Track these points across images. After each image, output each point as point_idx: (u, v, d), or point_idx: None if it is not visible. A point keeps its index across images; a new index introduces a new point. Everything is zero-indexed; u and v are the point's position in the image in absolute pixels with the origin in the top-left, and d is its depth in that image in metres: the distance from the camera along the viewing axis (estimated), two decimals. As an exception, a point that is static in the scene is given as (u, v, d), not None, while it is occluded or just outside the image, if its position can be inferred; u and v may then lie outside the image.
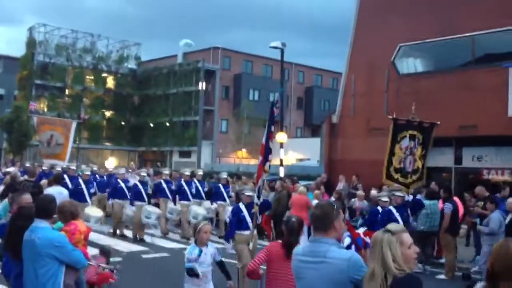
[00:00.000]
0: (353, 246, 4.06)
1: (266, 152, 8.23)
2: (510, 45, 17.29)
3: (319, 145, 25.55)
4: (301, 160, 40.75)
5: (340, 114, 21.48)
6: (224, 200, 15.20)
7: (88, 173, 14.78)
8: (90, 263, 5.30)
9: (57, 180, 10.42)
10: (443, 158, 19.11)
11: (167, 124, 47.34)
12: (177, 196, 14.78)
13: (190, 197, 14.68)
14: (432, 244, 12.00)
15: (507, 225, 9.65)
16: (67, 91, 47.30)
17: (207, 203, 15.14)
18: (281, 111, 20.04)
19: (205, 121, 45.84)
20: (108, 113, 48.78)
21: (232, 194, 15.37)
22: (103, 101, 48.32)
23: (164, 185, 15.06)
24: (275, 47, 20.26)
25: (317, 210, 3.59)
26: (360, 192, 14.56)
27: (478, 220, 10.67)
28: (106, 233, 13.32)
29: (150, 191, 15.73)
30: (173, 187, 15.16)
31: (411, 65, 20.36)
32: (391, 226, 3.15)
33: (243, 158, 44.62)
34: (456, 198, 11.49)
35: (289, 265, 3.94)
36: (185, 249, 11.34)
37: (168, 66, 48.91)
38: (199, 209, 14.21)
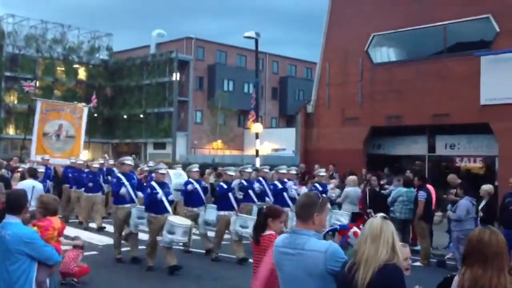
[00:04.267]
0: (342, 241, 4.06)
1: None
2: (481, 33, 17.54)
3: (294, 135, 25.63)
4: (276, 150, 40.86)
5: (315, 104, 21.54)
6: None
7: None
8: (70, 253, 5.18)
9: (32, 173, 10.15)
10: (416, 147, 19.38)
11: (141, 115, 46.87)
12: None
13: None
14: (408, 231, 12.13)
15: (483, 212, 9.79)
16: (37, 83, 46.34)
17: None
18: (256, 102, 19.95)
19: (180, 112, 45.49)
20: (80, 105, 48.07)
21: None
22: (75, 93, 47.48)
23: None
24: (249, 37, 20.13)
25: (302, 198, 3.57)
26: (335, 181, 14.60)
27: (449, 207, 10.82)
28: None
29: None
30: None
31: (384, 54, 20.50)
32: (383, 214, 3.17)
33: (218, 149, 44.50)
34: (429, 186, 11.60)
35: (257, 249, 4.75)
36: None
37: (141, 56, 48.36)
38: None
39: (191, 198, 10.92)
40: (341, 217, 10.86)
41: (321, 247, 3.28)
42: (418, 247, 11.20)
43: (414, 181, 11.64)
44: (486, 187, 10.14)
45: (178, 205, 13.18)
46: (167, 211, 9.54)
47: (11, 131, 45.85)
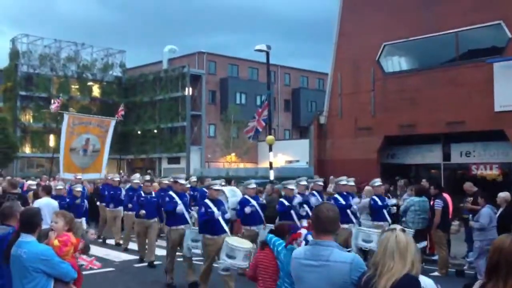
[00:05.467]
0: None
1: None
2: (493, 40, 17.45)
3: (307, 146, 25.56)
4: (290, 162, 40.76)
5: (327, 115, 21.52)
6: None
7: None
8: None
9: (47, 191, 10.24)
10: (431, 155, 19.23)
11: (155, 131, 47.12)
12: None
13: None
14: (419, 241, 12.00)
15: (498, 219, 9.67)
16: (52, 101, 46.86)
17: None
18: (269, 114, 19.96)
19: (193, 127, 45.71)
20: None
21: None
22: (89, 110, 47.90)
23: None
24: (260, 50, 20.18)
25: (329, 212, 3.53)
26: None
27: (470, 216, 10.67)
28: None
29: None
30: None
31: (396, 63, 20.47)
32: (398, 226, 3.19)
33: (232, 162, 44.52)
34: (445, 194, 11.48)
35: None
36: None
37: (154, 72, 48.74)
38: None
39: (249, 216, 10.03)
40: (372, 236, 9.43)
41: (347, 258, 3.33)
42: (436, 257, 11.07)
43: (430, 190, 11.53)
44: (503, 195, 10.01)
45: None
46: (224, 232, 8.55)
47: (27, 149, 46.36)
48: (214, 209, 8.47)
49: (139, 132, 47.99)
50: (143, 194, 11.84)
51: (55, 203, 9.66)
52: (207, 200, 8.73)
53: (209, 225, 8.44)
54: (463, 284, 3.36)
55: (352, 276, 3.25)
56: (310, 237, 4.16)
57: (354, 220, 10.54)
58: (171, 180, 10.90)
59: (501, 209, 9.84)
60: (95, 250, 11.10)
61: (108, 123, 15.51)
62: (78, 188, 12.24)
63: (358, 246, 9.28)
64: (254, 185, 10.31)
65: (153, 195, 11.81)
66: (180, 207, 9.17)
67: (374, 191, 11.40)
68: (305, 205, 10.23)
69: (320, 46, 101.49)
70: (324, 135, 21.58)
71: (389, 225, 9.26)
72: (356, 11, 20.84)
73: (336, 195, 10.92)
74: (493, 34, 17.23)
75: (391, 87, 19.41)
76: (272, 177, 18.17)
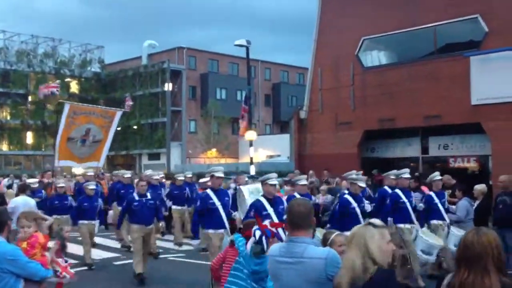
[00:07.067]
0: (263, 238, 4.15)
1: None
2: (471, 34, 17.64)
3: (288, 141, 25.65)
4: (271, 156, 40.88)
5: (308, 110, 21.57)
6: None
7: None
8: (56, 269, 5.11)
9: (22, 189, 10.10)
10: (410, 148, 19.42)
11: (135, 127, 46.78)
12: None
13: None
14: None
15: (474, 212, 9.82)
16: (29, 98, 46.24)
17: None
18: (249, 109, 19.98)
19: (173, 122, 45.49)
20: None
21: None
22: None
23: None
24: (240, 45, 20.17)
25: (300, 207, 3.51)
26: (323, 187, 13.86)
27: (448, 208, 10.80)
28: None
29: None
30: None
31: (375, 58, 20.59)
32: (374, 220, 3.22)
33: (213, 158, 44.46)
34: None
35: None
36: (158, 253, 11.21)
37: (133, 68, 48.34)
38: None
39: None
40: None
41: (321, 254, 3.32)
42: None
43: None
44: (480, 187, 10.17)
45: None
46: (224, 227, 8.09)
47: (4, 147, 45.70)
48: (216, 200, 8.04)
49: (119, 128, 47.49)
50: (136, 197, 9.68)
51: (32, 201, 9.53)
52: (208, 190, 8.25)
53: (209, 218, 8.00)
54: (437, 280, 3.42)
55: (328, 271, 3.23)
56: (258, 232, 4.15)
57: (414, 219, 9.15)
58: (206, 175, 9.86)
59: (477, 202, 10.00)
60: (74, 248, 11.02)
61: (113, 114, 14.69)
62: (91, 186, 11.14)
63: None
64: (304, 181, 9.32)
65: (149, 197, 9.81)
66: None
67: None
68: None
69: (301, 41, 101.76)
70: (304, 130, 21.64)
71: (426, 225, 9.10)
72: (335, 5, 20.88)
73: (386, 187, 9.65)
74: (470, 28, 17.42)
75: (370, 81, 19.53)
76: (253, 172, 18.21)
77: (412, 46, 19.32)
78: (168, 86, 37.19)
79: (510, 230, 8.66)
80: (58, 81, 16.45)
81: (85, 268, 10.33)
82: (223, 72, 49.95)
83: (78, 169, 22.33)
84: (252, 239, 4.14)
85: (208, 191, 8.22)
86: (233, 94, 48.04)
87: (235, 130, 48.24)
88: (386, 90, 18.86)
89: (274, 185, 7.41)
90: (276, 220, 6.78)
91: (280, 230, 4.42)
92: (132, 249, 10.19)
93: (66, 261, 5.39)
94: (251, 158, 19.18)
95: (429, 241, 8.28)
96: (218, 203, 7.99)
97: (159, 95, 45.08)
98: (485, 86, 16.26)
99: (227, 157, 45.08)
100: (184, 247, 12.82)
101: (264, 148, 40.47)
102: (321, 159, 19.48)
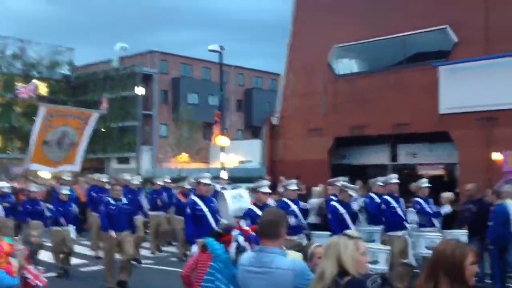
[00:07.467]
0: (246, 243, 4.15)
1: None
2: (439, 44, 18.00)
3: (260, 146, 25.67)
4: (242, 162, 40.81)
5: (280, 116, 21.66)
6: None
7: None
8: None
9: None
10: (380, 156, 19.67)
11: (103, 130, 46.14)
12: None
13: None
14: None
15: (444, 218, 9.99)
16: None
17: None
18: (222, 114, 19.99)
19: (144, 126, 45.10)
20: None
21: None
22: (36, 109, 46.41)
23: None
24: (214, 51, 20.18)
25: (266, 216, 3.52)
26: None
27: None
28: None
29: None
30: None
31: (346, 65, 20.83)
32: (349, 231, 3.26)
33: (184, 163, 44.20)
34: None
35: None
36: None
37: (104, 71, 47.74)
38: None
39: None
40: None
41: (289, 265, 3.31)
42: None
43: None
44: (447, 195, 10.38)
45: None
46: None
47: (-31, 149, 44.56)
48: (204, 207, 7.83)
49: (88, 132, 46.85)
50: (112, 201, 9.44)
51: (-1, 207, 9.29)
52: (195, 197, 8.01)
53: (197, 226, 7.65)
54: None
55: (297, 284, 3.24)
56: (240, 238, 4.15)
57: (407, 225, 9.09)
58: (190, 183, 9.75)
59: (445, 208, 10.19)
60: (41, 254, 10.79)
61: (88, 115, 14.31)
62: (64, 191, 10.96)
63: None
64: (295, 186, 8.83)
65: (124, 201, 9.56)
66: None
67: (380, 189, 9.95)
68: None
69: (274, 47, 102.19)
70: (276, 135, 21.71)
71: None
72: (309, 12, 21.06)
73: (387, 197, 9.45)
74: (439, 38, 17.77)
75: (341, 89, 19.73)
76: (225, 178, 18.15)
77: (382, 55, 19.62)
78: (140, 90, 36.88)
79: (476, 239, 8.86)
80: (35, 81, 15.53)
81: (55, 274, 10.15)
82: (195, 76, 49.78)
83: (44, 173, 21.63)
84: (234, 244, 4.13)
85: (195, 198, 7.99)
86: (205, 99, 47.92)
87: (206, 135, 48.08)
88: (357, 97, 19.08)
89: (266, 193, 7.44)
90: None
91: None
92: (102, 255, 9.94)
93: (38, 268, 5.27)
94: (223, 164, 19.17)
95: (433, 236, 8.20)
96: (205, 210, 7.81)
97: (130, 98, 44.63)
98: (453, 95, 16.60)
99: (198, 161, 44.89)
100: (157, 254, 12.72)
101: (235, 153, 40.40)
102: (292, 165, 19.56)
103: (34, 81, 19.88)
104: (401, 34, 18.29)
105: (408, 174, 18.87)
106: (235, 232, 4.17)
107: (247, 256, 3.59)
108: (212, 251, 4.90)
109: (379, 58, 19.82)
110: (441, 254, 2.95)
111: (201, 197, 7.95)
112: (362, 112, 18.89)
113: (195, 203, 7.87)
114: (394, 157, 19.29)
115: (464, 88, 16.24)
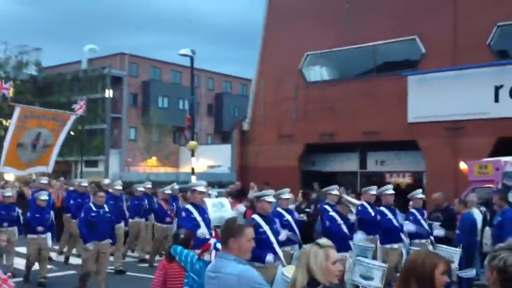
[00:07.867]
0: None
1: None
2: (408, 54, 18.35)
3: (230, 151, 25.64)
4: (212, 167, 40.70)
5: (250, 121, 21.69)
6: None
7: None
8: None
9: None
10: (349, 163, 19.89)
11: (72, 133, 45.37)
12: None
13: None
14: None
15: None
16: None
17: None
18: (192, 119, 19.84)
19: (113, 129, 44.50)
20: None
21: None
22: (1, 109, 45.42)
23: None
24: (185, 55, 20.03)
25: (226, 224, 3.72)
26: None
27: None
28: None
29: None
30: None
31: (318, 73, 21.01)
32: (321, 240, 3.28)
33: (153, 167, 43.79)
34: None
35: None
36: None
37: (72, 72, 46.96)
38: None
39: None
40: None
41: (235, 270, 3.40)
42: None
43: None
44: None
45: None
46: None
47: None
48: (198, 217, 7.45)
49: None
50: (93, 208, 8.86)
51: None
52: (189, 206, 7.65)
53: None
54: None
55: None
56: (218, 245, 4.23)
57: (404, 239, 8.82)
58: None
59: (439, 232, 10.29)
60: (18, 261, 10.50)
61: (65, 117, 13.80)
62: (43, 197, 10.17)
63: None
64: (288, 195, 8.49)
65: (106, 209, 8.98)
66: (201, 231, 7.23)
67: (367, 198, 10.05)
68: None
69: (245, 52, 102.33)
70: (246, 141, 21.72)
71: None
72: (281, 19, 21.18)
73: (383, 208, 9.23)
74: (408, 49, 18.12)
75: (312, 96, 19.88)
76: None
77: (352, 63, 19.88)
78: (109, 92, 36.40)
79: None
80: (10, 82, 14.95)
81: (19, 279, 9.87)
82: (166, 80, 49.43)
83: (8, 175, 21.04)
84: (214, 252, 4.20)
85: (189, 206, 7.62)
86: (175, 102, 47.61)
87: (176, 139, 47.77)
88: (327, 105, 19.26)
89: (271, 202, 7.01)
90: (272, 239, 6.63)
91: None
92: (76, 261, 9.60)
93: (5, 273, 5.13)
94: (193, 169, 19.00)
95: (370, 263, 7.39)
96: (199, 219, 7.43)
97: (99, 101, 43.97)
98: (421, 105, 16.93)
99: (167, 166, 44.54)
100: (126, 259, 12.51)
101: (205, 158, 40.26)
102: (262, 171, 19.58)
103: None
104: (371, 43, 18.57)
105: (376, 181, 19.11)
106: (212, 241, 4.22)
107: (213, 262, 3.75)
108: (180, 261, 4.86)
109: (349, 66, 20.07)
110: (412, 263, 2.99)
111: (195, 206, 7.59)
112: (332, 120, 19.08)
113: (191, 213, 7.51)
114: (363, 165, 19.54)
115: (432, 98, 16.59)
